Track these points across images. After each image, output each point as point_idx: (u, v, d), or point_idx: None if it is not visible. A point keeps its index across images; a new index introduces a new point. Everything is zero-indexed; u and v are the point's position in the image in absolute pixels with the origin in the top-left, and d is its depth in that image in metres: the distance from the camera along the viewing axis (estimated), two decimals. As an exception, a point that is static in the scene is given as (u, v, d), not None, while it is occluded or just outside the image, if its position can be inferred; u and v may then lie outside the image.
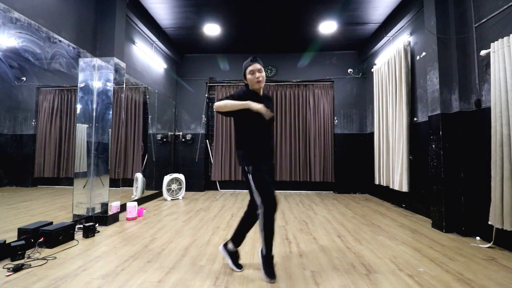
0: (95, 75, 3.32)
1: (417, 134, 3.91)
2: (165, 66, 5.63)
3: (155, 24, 4.81)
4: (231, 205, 4.55)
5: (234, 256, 2.07)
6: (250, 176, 1.93)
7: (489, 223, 2.47)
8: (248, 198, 2.09)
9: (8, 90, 2.91)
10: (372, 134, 5.41)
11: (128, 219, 3.46)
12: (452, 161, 3.05)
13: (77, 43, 3.20)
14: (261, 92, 2.06)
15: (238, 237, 2.07)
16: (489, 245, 2.54)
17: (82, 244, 2.56)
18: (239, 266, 2.04)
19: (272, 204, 1.86)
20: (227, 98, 1.90)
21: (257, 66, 1.95)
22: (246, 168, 1.94)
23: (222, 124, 6.12)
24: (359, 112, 5.95)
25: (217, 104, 1.88)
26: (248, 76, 1.97)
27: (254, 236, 2.85)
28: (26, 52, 2.60)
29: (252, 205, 2.01)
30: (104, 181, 3.31)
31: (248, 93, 1.98)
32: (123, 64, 3.61)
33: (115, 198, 3.56)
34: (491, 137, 2.52)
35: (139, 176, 4.62)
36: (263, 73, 1.97)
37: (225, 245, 2.10)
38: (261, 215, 1.87)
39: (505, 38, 2.39)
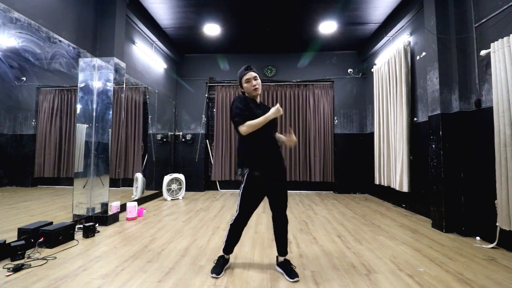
0: (95, 75, 3.32)
1: (417, 134, 3.91)
2: (165, 66, 5.63)
3: (155, 24, 4.81)
4: (231, 205, 4.55)
5: (286, 267, 1.98)
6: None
7: (497, 224, 2.46)
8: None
9: (8, 90, 2.92)
10: (372, 134, 5.41)
11: (128, 219, 3.46)
12: (452, 161, 3.05)
13: (77, 43, 3.20)
14: (259, 99, 2.07)
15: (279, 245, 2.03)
16: (492, 245, 2.53)
17: (82, 244, 2.56)
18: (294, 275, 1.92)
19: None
20: (237, 112, 1.90)
21: (252, 74, 1.99)
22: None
23: (222, 124, 6.11)
24: (359, 112, 5.95)
25: (244, 129, 1.88)
26: (245, 85, 2.00)
27: (254, 236, 2.85)
28: (26, 52, 2.60)
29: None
30: (104, 181, 3.31)
31: (249, 100, 1.99)
32: (123, 64, 3.61)
33: (115, 198, 3.56)
34: (493, 137, 2.52)
35: (139, 176, 4.62)
36: (259, 80, 2.01)
37: (278, 262, 2.05)
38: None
39: (505, 38, 2.39)
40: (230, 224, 2.03)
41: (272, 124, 2.00)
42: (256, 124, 1.87)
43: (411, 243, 2.66)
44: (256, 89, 1.98)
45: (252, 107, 1.95)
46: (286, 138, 2.10)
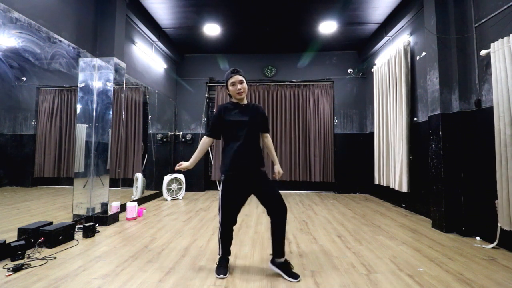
0: (95, 75, 3.32)
1: (417, 134, 3.91)
2: (165, 66, 5.63)
3: (155, 24, 4.81)
4: (231, 205, 4.54)
5: (287, 268, 1.95)
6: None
7: (498, 224, 2.45)
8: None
9: (8, 90, 2.92)
10: (372, 134, 5.41)
11: (128, 219, 3.46)
12: (452, 161, 3.05)
13: (77, 43, 3.20)
14: (245, 101, 2.07)
15: (276, 246, 1.98)
16: (492, 245, 2.52)
17: (82, 244, 2.56)
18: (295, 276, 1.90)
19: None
20: (211, 122, 2.12)
21: (238, 77, 1.98)
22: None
23: (222, 124, 6.10)
24: (359, 112, 5.95)
25: (201, 141, 2.16)
26: (230, 88, 2.00)
27: (254, 236, 2.85)
28: (26, 52, 2.60)
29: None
30: (104, 181, 3.31)
31: (227, 105, 2.03)
32: (123, 64, 3.61)
33: (115, 198, 3.56)
34: (493, 137, 2.51)
35: (139, 176, 4.61)
36: (244, 84, 2.01)
37: (273, 261, 1.99)
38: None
39: (505, 38, 2.39)
40: (219, 236, 2.04)
41: (244, 126, 1.98)
42: (199, 150, 2.16)
43: (411, 243, 2.66)
44: (240, 93, 1.98)
45: (229, 116, 1.99)
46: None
